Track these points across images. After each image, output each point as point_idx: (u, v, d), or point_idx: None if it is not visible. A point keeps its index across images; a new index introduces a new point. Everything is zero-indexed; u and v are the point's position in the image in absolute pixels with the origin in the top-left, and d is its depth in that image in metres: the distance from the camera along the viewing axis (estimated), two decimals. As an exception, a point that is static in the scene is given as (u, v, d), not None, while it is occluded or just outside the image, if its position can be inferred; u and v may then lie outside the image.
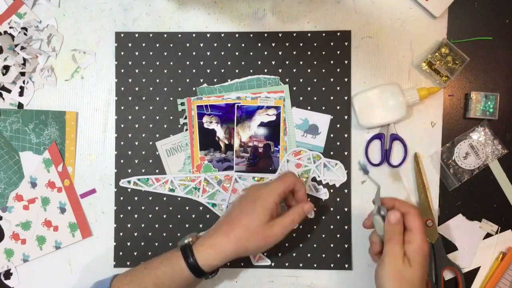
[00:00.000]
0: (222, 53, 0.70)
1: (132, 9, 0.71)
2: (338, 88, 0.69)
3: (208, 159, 0.70)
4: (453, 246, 0.69)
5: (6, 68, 0.70)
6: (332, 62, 0.69)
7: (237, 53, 0.70)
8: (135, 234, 0.70)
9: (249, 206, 0.60)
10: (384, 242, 0.57)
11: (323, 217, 0.69)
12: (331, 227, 0.69)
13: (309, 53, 0.69)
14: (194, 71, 0.70)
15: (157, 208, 0.70)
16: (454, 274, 0.69)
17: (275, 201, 0.59)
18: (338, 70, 0.69)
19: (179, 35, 0.70)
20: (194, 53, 0.70)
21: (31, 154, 0.71)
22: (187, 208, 0.70)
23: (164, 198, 0.70)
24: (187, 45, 0.70)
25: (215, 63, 0.70)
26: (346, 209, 0.69)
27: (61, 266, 0.71)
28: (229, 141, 0.70)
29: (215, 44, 0.70)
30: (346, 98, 0.69)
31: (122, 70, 0.71)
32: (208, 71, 0.70)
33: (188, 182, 0.70)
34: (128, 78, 0.71)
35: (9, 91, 0.71)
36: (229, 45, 0.70)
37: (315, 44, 0.69)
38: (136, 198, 0.70)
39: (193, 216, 0.70)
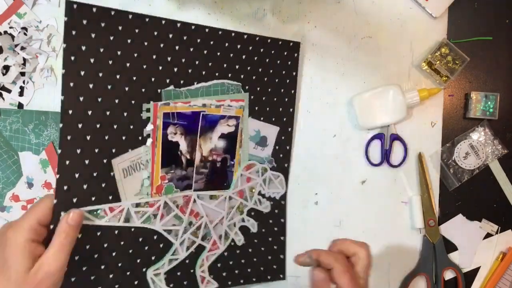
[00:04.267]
0: (191, 49, 0.60)
1: (132, 9, 0.71)
2: (286, 99, 0.67)
3: (169, 178, 0.60)
4: (453, 246, 0.70)
5: (6, 68, 0.70)
6: (283, 72, 0.66)
7: (205, 51, 0.61)
8: (72, 279, 0.54)
9: None
10: None
11: (263, 230, 0.67)
12: (270, 239, 0.68)
13: (267, 60, 0.65)
14: (160, 68, 0.58)
15: (105, 245, 0.56)
16: (454, 274, 0.69)
17: (27, 239, 0.47)
18: (288, 81, 0.67)
19: (147, 19, 0.57)
20: (161, 45, 0.58)
21: (30, 154, 0.71)
22: (140, 239, 0.59)
23: (116, 232, 0.57)
24: (155, 33, 0.57)
25: (183, 60, 0.59)
26: (282, 220, 0.68)
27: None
28: (191, 156, 0.62)
29: (185, 37, 0.59)
30: (291, 110, 0.67)
31: (73, 58, 0.52)
32: (175, 69, 0.59)
33: (146, 209, 0.59)
34: (80, 70, 0.53)
35: (9, 91, 0.71)
36: (198, 40, 0.60)
37: (272, 52, 0.65)
38: (79, 236, 0.53)
39: (146, 248, 0.59)
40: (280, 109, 0.67)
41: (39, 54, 0.71)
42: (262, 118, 0.66)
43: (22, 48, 0.70)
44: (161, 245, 0.61)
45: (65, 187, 0.53)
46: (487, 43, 0.69)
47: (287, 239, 0.69)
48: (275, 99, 0.66)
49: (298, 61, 0.67)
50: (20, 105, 0.71)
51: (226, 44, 0.62)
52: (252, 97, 0.64)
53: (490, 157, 0.69)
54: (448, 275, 0.70)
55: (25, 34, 0.70)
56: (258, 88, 0.65)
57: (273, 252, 0.68)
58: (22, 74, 0.71)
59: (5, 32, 0.71)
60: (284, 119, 0.67)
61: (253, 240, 0.67)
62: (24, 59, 0.70)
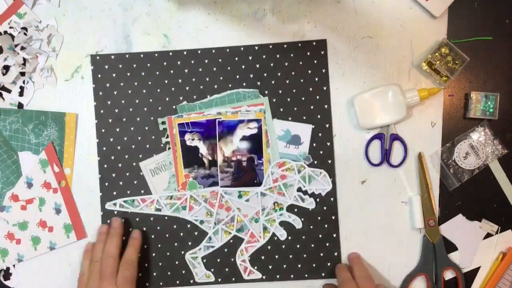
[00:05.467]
0: (200, 69, 0.69)
1: (132, 9, 0.71)
2: (317, 97, 0.69)
3: (192, 176, 0.69)
4: (453, 246, 0.69)
5: (6, 68, 0.70)
6: (310, 71, 0.69)
7: (214, 69, 0.69)
8: None
9: None
10: None
11: (311, 227, 0.69)
12: (320, 236, 0.69)
13: (286, 64, 0.69)
14: (173, 89, 0.70)
15: (144, 229, 0.70)
16: (454, 274, 0.69)
17: None
18: (316, 79, 0.69)
19: (156, 54, 0.70)
20: (171, 72, 0.70)
21: (30, 154, 0.71)
22: (174, 226, 0.70)
23: (151, 218, 0.70)
24: (164, 63, 0.70)
25: (194, 80, 0.69)
26: (333, 217, 0.69)
27: (62, 266, 0.71)
28: (213, 157, 0.69)
29: (192, 61, 0.70)
30: (326, 106, 0.69)
31: (101, 93, 0.70)
32: (187, 88, 0.69)
33: (174, 201, 0.69)
34: (107, 100, 0.70)
35: (9, 91, 0.71)
36: (206, 61, 0.69)
37: (291, 55, 0.69)
38: (123, 221, 0.69)
39: (181, 234, 0.70)
40: (312, 107, 0.69)
41: (39, 54, 0.71)
42: (290, 118, 0.69)
43: (22, 48, 0.70)
44: (195, 233, 0.70)
45: (106, 184, 0.70)
46: (487, 43, 0.69)
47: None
48: (303, 98, 0.69)
49: (327, 58, 0.69)
50: (20, 105, 0.71)
51: (236, 59, 0.70)
52: (274, 100, 0.69)
53: (490, 157, 0.69)
54: (448, 275, 0.70)
55: (25, 34, 0.70)
56: (280, 91, 0.69)
57: (326, 249, 0.69)
58: (22, 74, 0.71)
59: (5, 32, 0.71)
60: (319, 116, 0.69)
61: (301, 236, 0.69)
62: (24, 59, 0.70)
